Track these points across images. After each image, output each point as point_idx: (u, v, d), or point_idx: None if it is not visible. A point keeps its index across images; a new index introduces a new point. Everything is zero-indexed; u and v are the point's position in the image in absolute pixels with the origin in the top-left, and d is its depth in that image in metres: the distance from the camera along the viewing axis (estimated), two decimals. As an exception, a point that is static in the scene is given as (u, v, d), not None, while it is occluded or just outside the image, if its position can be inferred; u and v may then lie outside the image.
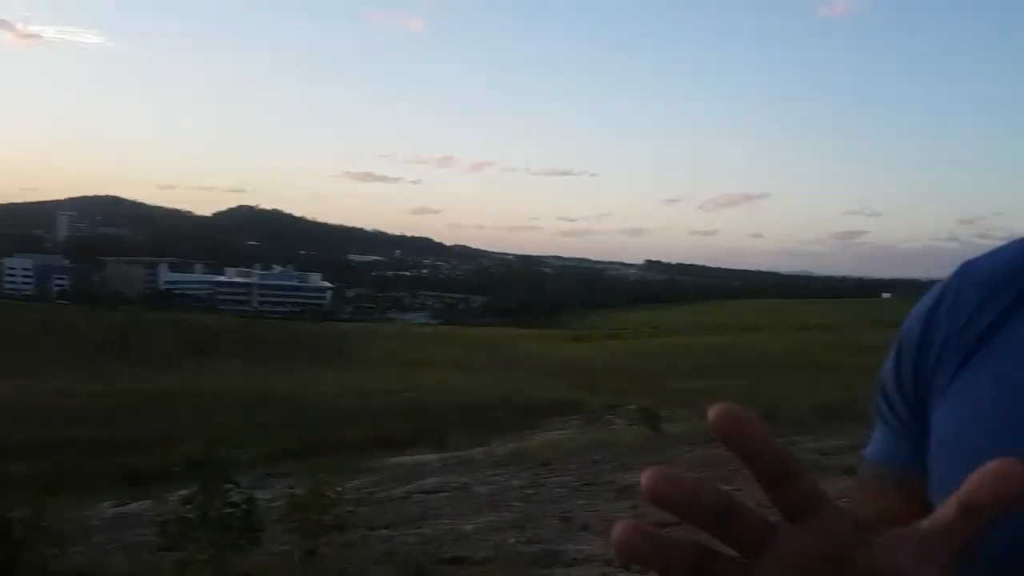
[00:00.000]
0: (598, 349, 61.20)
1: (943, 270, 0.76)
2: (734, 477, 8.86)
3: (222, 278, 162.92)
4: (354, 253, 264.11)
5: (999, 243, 0.76)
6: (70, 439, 17.86)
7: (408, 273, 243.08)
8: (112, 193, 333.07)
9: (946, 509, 0.45)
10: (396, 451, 15.67)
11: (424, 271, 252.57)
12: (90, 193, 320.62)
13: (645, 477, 0.40)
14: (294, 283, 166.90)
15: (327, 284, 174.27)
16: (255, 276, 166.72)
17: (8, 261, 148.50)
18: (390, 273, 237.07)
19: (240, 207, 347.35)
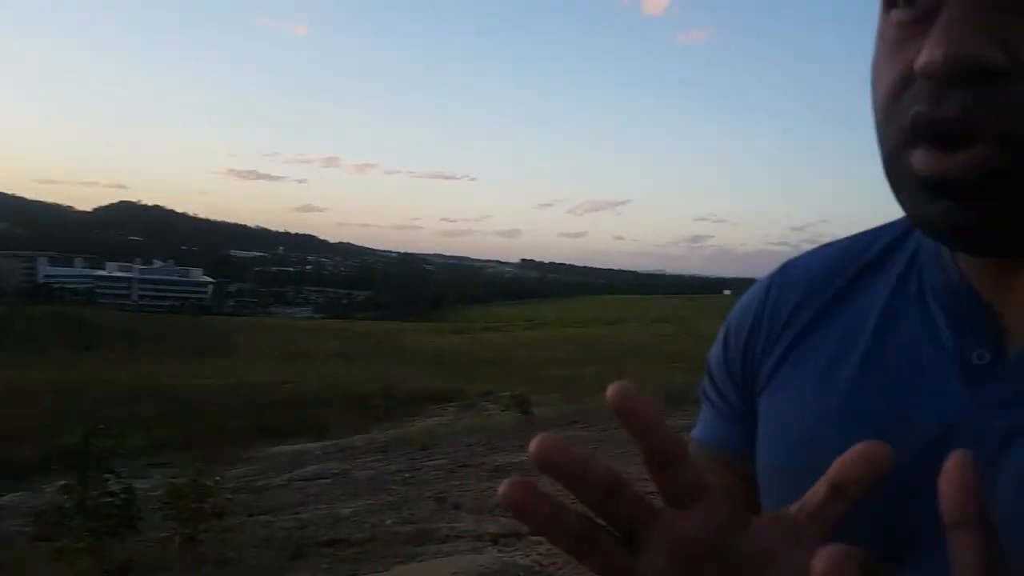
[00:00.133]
0: (476, 341, 61.43)
1: (774, 270, 0.79)
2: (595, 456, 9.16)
3: (102, 272, 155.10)
4: (237, 249, 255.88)
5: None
6: (-60, 433, 16.64)
7: (292, 269, 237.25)
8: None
9: (815, 492, 0.45)
10: (277, 441, 15.33)
11: (308, 267, 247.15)
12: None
13: (535, 442, 0.39)
14: (175, 278, 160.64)
15: (208, 279, 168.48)
16: (136, 271, 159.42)
17: None
18: (273, 269, 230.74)
19: (122, 203, 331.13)
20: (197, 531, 5.79)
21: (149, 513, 5.89)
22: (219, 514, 5.96)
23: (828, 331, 0.64)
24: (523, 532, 5.86)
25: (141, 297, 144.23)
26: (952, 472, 0.40)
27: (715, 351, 0.74)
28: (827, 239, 0.74)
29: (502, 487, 0.41)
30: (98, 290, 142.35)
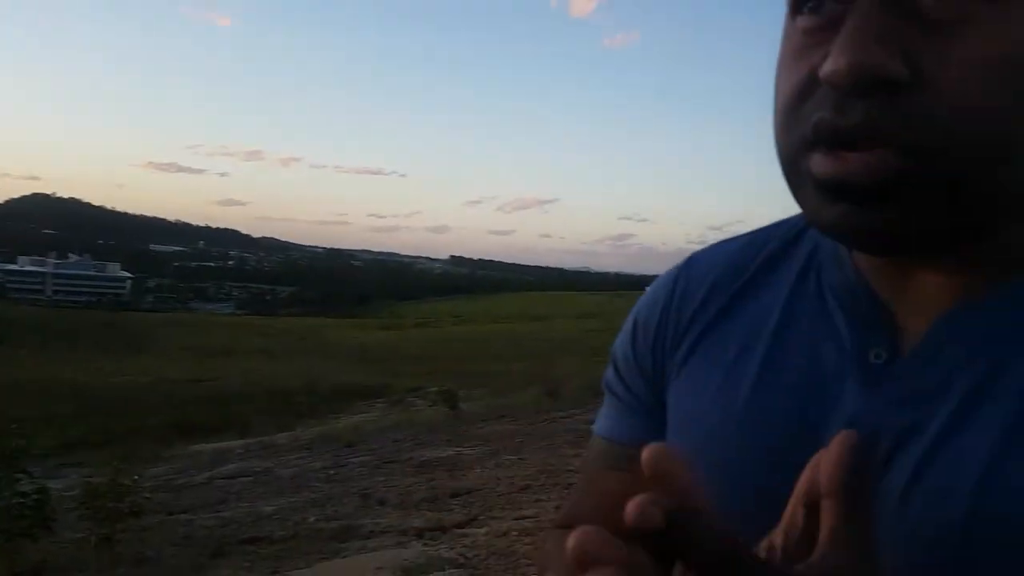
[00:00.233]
0: (403, 337, 61.07)
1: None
2: (520, 449, 9.24)
3: (14, 267, 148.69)
4: (156, 243, 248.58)
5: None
6: None
7: (213, 264, 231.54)
8: None
9: (794, 518, 0.46)
10: (198, 439, 14.99)
11: (230, 262, 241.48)
12: None
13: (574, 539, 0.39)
14: (91, 272, 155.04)
15: (126, 274, 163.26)
16: (50, 265, 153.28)
17: None
18: (194, 264, 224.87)
19: (35, 195, 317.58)
20: (114, 531, 5.65)
21: (64, 514, 5.71)
22: (137, 513, 5.83)
23: (732, 327, 0.65)
24: (448, 526, 5.90)
25: (55, 292, 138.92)
26: (834, 447, 0.43)
27: (622, 342, 0.75)
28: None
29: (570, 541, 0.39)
30: (9, 285, 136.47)
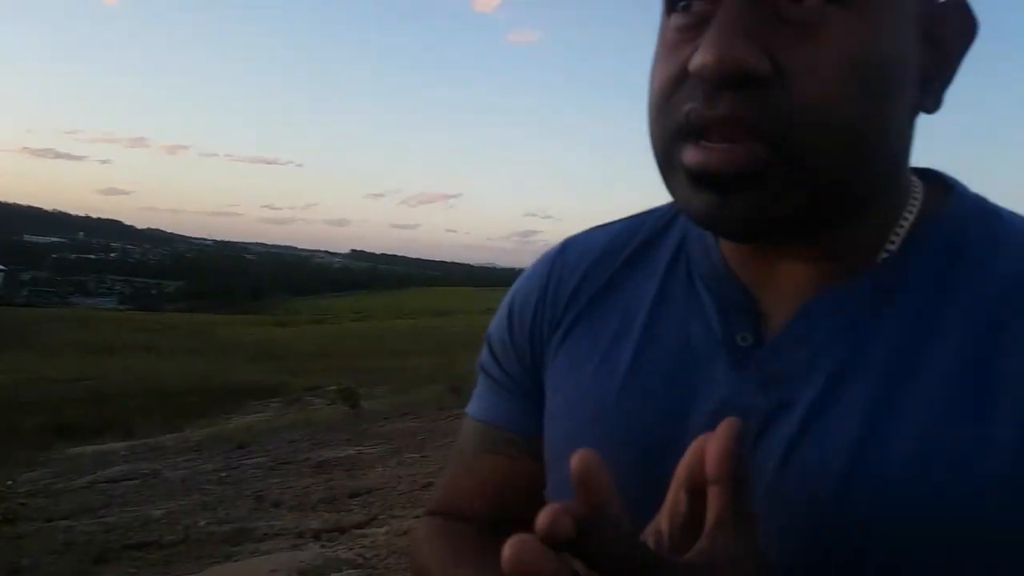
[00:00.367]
0: (301, 333, 59.89)
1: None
2: (423, 446, 9.25)
3: None
4: (32, 234, 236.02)
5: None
6: None
7: (94, 256, 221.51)
8: None
9: (677, 503, 0.50)
10: (78, 441, 14.37)
11: (112, 254, 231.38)
12: None
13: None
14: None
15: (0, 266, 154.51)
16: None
17: None
18: (73, 256, 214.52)
19: None
20: (-15, 539, 5.41)
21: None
22: (11, 520, 5.60)
23: (608, 311, 0.69)
24: (347, 526, 5.88)
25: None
26: (719, 435, 0.46)
27: (498, 325, 0.77)
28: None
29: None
30: None
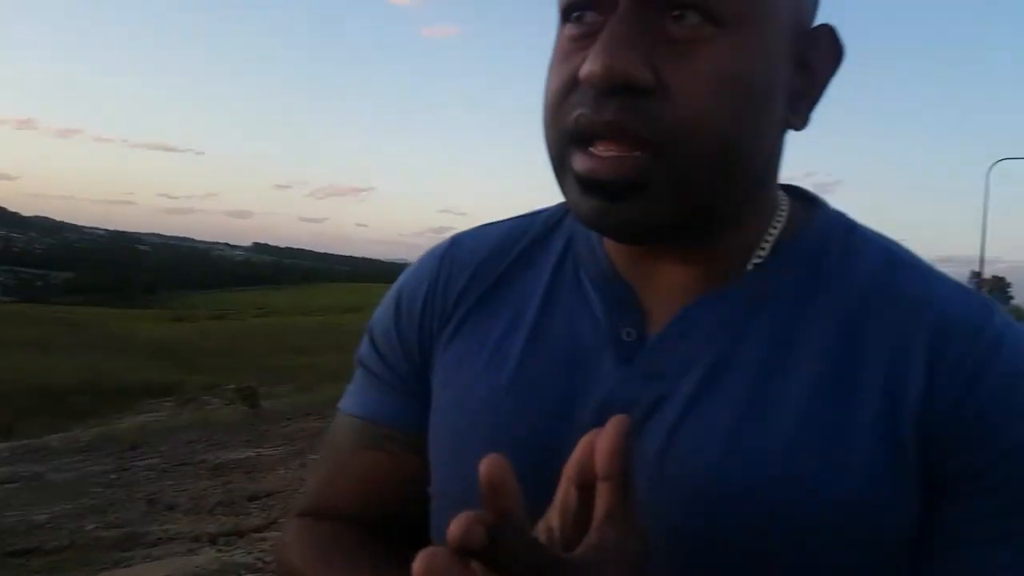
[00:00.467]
0: (200, 330, 58.14)
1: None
2: (313, 447, 9.15)
3: None
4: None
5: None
6: None
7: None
8: None
9: (567, 499, 0.52)
10: (-47, 443, 13.68)
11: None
12: None
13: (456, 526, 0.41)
14: None
15: None
16: None
17: None
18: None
19: None
20: None
21: None
22: None
23: (498, 307, 0.72)
24: (245, 530, 5.79)
25: None
26: (608, 432, 0.50)
27: (382, 319, 0.79)
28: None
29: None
30: None
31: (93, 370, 28.68)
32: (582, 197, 0.59)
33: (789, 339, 0.62)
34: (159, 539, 5.85)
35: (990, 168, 36.29)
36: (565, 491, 0.53)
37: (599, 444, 0.49)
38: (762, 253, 0.65)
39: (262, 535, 5.65)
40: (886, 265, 0.65)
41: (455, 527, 0.40)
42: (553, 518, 0.53)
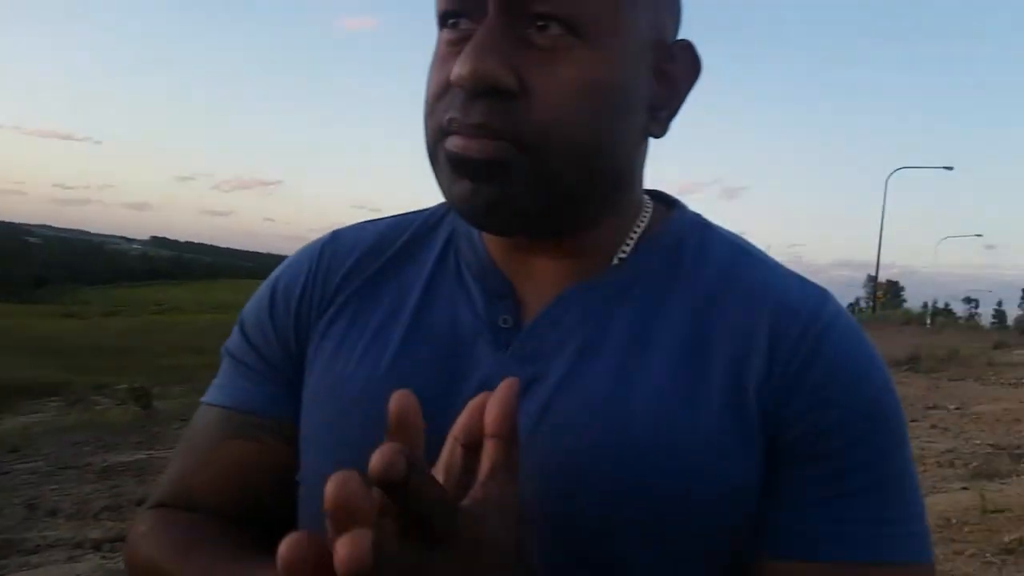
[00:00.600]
0: (91, 327, 55.92)
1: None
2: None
3: None
4: None
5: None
6: None
7: None
8: None
9: (453, 456, 0.57)
10: None
11: None
12: None
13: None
14: None
15: None
16: None
17: None
18: None
19: None
20: None
21: None
22: None
23: (378, 296, 0.76)
24: (132, 535, 5.63)
25: None
26: (500, 394, 0.55)
27: (256, 309, 0.81)
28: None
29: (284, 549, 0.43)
30: None
31: (-28, 368, 27.41)
32: (453, 180, 0.64)
33: (650, 324, 0.69)
34: (38, 546, 5.64)
35: (888, 176, 38.08)
36: (450, 451, 0.57)
37: (490, 404, 0.54)
38: (626, 248, 0.72)
39: (150, 540, 5.50)
40: (733, 258, 0.73)
41: (377, 459, 0.41)
42: (438, 473, 0.57)
